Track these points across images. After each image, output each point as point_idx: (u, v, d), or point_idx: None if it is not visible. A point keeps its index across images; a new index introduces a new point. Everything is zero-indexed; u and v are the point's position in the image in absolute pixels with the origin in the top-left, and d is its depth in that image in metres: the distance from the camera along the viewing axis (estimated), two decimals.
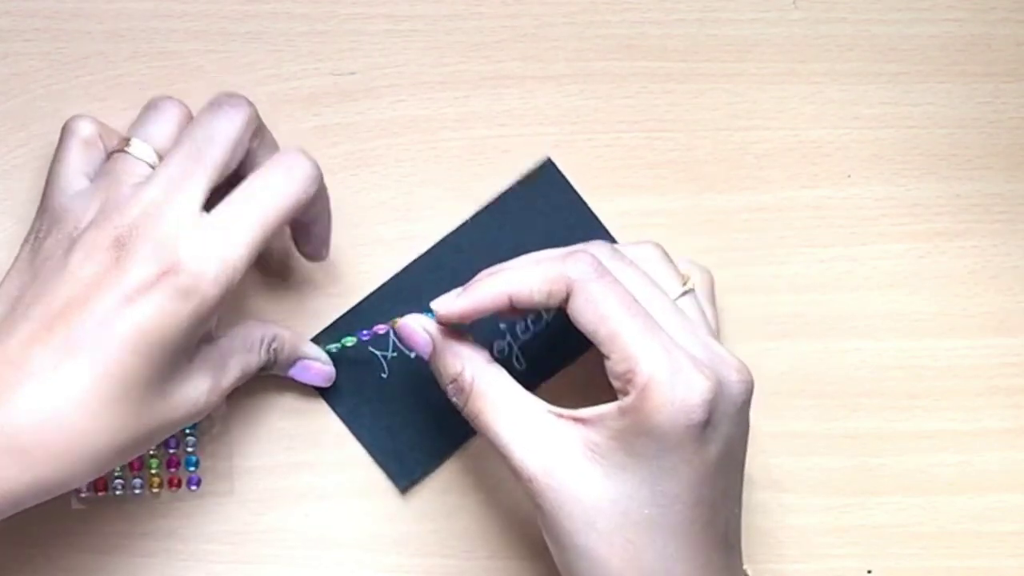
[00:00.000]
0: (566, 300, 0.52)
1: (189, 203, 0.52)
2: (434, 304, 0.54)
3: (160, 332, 0.50)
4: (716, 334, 0.56)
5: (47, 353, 0.50)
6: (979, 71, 0.64)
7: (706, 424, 0.50)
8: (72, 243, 0.52)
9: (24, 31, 0.62)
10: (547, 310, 0.61)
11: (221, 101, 0.55)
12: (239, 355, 0.57)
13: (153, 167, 0.54)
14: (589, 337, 0.52)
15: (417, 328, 0.55)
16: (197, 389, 0.54)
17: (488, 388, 0.54)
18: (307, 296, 0.62)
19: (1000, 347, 0.63)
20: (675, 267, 0.56)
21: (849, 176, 0.63)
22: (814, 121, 0.63)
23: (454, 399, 0.55)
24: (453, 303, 0.54)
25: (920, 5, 0.63)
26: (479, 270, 0.56)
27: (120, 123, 0.61)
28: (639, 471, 0.51)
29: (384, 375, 0.61)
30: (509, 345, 0.62)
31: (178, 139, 0.55)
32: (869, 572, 0.62)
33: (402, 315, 0.56)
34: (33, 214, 0.60)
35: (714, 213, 0.63)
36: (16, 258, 0.54)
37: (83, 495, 0.59)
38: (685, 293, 0.55)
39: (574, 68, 0.63)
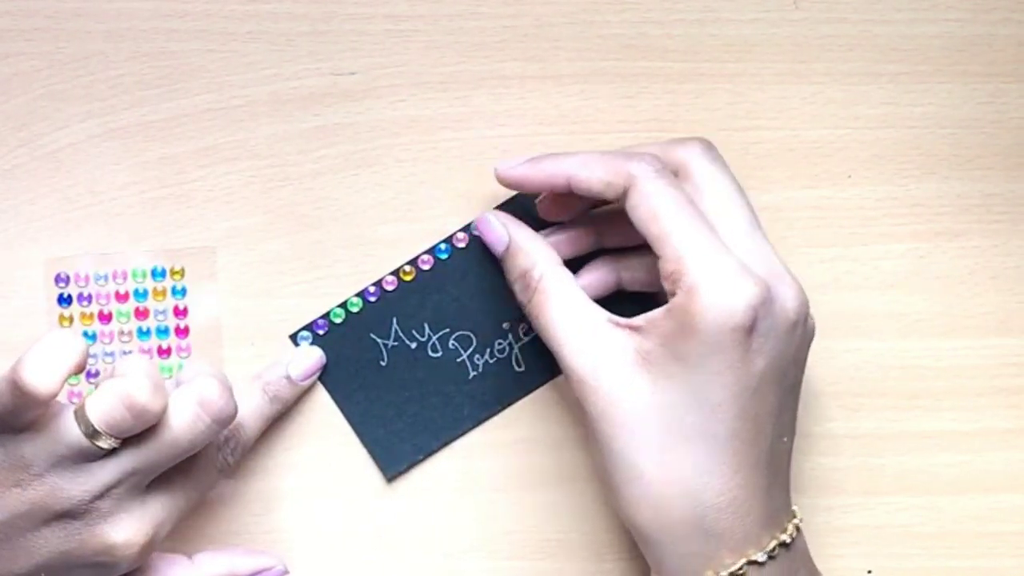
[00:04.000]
0: (623, 194, 0.54)
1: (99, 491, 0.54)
2: (498, 164, 0.58)
3: None
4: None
5: None
6: (980, 71, 0.63)
7: (751, 330, 0.51)
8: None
9: (25, 31, 0.62)
10: None
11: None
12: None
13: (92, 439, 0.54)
14: (642, 234, 0.53)
15: (495, 223, 0.59)
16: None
17: (553, 288, 0.56)
18: (306, 297, 0.62)
19: (1001, 347, 0.63)
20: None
21: (850, 176, 0.63)
22: (815, 121, 0.63)
23: (520, 296, 0.57)
24: (515, 167, 0.57)
25: (921, 5, 0.63)
26: (492, 262, 0.59)
27: (122, 124, 0.62)
28: (685, 377, 0.52)
29: (383, 363, 0.62)
30: (510, 345, 0.62)
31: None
32: (870, 572, 0.62)
33: (411, 315, 0.57)
34: (34, 215, 0.62)
35: None
36: None
37: None
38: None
39: (574, 68, 0.63)
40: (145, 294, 0.62)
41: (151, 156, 0.62)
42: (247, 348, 0.62)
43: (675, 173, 0.56)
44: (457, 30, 0.63)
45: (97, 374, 0.62)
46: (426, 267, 0.62)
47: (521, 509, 0.63)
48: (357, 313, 0.62)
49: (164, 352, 0.62)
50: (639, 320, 0.54)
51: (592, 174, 0.55)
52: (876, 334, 0.63)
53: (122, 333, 0.62)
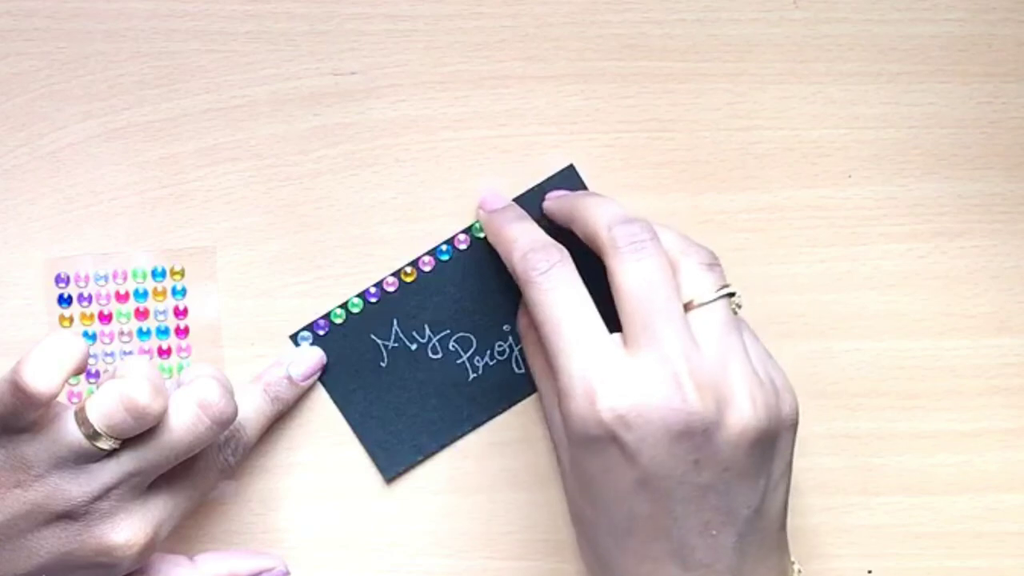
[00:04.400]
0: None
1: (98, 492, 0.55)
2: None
3: None
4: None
5: None
6: (980, 71, 0.63)
7: (610, 440, 0.52)
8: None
9: (24, 31, 0.62)
10: None
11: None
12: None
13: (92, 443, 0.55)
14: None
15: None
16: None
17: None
18: (306, 298, 0.62)
19: (1001, 347, 0.63)
20: (714, 273, 0.56)
21: (850, 176, 0.63)
22: (815, 121, 0.63)
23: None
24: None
25: (921, 5, 0.63)
26: (493, 264, 0.61)
27: (122, 124, 0.62)
28: (576, 472, 0.54)
29: (383, 364, 0.62)
30: (510, 347, 0.62)
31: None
32: (869, 572, 0.62)
33: (411, 316, 0.59)
34: (34, 215, 0.62)
35: (715, 213, 0.63)
36: None
37: None
38: (716, 299, 0.54)
39: (575, 68, 0.63)
40: (145, 294, 0.62)
41: (151, 156, 0.62)
42: (247, 348, 0.62)
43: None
44: (457, 30, 0.63)
45: (98, 375, 0.62)
46: (427, 268, 0.62)
47: (521, 509, 0.63)
48: (357, 314, 0.62)
49: (164, 352, 0.62)
50: None
51: (505, 255, 0.57)
52: (876, 334, 0.63)
53: (122, 333, 0.62)
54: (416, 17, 0.63)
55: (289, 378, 0.61)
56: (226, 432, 0.57)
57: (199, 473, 0.57)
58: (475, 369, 0.62)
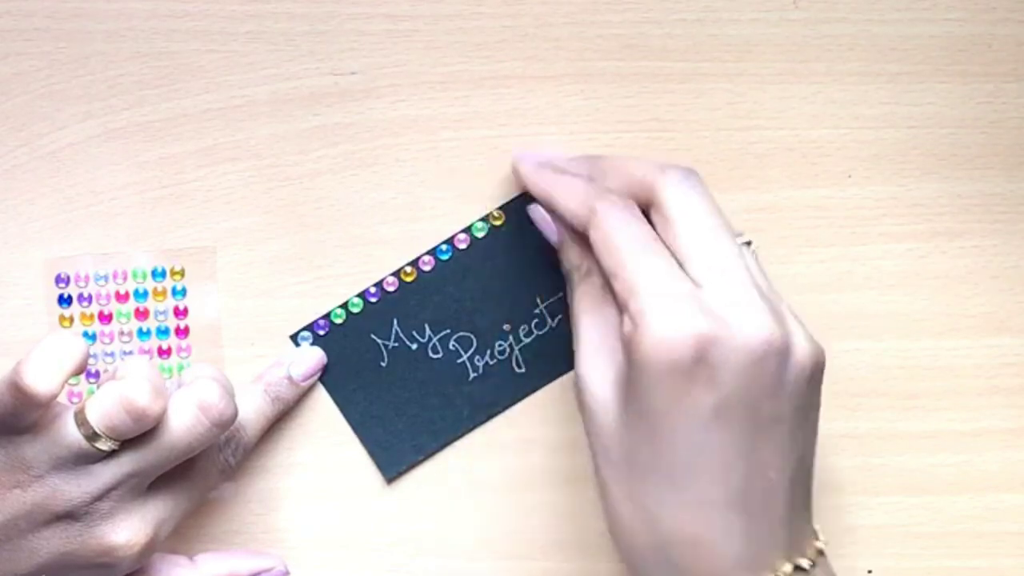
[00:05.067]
0: (587, 228, 0.54)
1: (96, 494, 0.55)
2: (519, 155, 0.61)
3: None
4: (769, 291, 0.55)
5: None
6: (979, 71, 0.64)
7: (697, 361, 0.50)
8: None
9: (24, 31, 0.62)
10: (552, 316, 0.62)
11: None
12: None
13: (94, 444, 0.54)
14: (603, 268, 0.54)
15: (544, 216, 0.59)
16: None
17: (592, 290, 0.56)
18: (306, 297, 0.63)
19: (1001, 347, 0.64)
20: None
21: (850, 176, 0.64)
22: (814, 121, 0.64)
23: (568, 282, 0.58)
24: (524, 164, 0.60)
25: (920, 5, 0.63)
26: (492, 264, 0.61)
27: (122, 124, 0.62)
28: (638, 408, 0.51)
29: (383, 363, 0.62)
30: (510, 347, 0.62)
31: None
32: (870, 572, 0.63)
33: (411, 315, 0.59)
34: (34, 214, 0.62)
35: None
36: None
37: None
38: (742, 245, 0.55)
39: (575, 68, 0.63)
40: (145, 294, 0.62)
41: (151, 156, 0.63)
42: (247, 348, 0.63)
43: (648, 202, 0.55)
44: (457, 30, 0.63)
45: (98, 374, 0.62)
46: (427, 268, 0.62)
47: (521, 509, 0.63)
48: (358, 314, 0.62)
49: (164, 352, 0.62)
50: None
51: (564, 203, 0.56)
52: (875, 334, 0.64)
53: (122, 333, 0.62)
54: (416, 17, 0.63)
55: (289, 378, 0.61)
56: (226, 433, 0.57)
57: (199, 473, 0.58)
58: (475, 369, 0.62)
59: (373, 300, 0.62)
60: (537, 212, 0.59)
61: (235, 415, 0.56)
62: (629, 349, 0.51)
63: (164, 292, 0.62)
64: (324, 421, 0.62)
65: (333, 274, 0.63)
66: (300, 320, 0.62)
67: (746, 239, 0.55)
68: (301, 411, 0.62)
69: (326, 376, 0.62)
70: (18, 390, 0.52)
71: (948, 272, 0.64)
